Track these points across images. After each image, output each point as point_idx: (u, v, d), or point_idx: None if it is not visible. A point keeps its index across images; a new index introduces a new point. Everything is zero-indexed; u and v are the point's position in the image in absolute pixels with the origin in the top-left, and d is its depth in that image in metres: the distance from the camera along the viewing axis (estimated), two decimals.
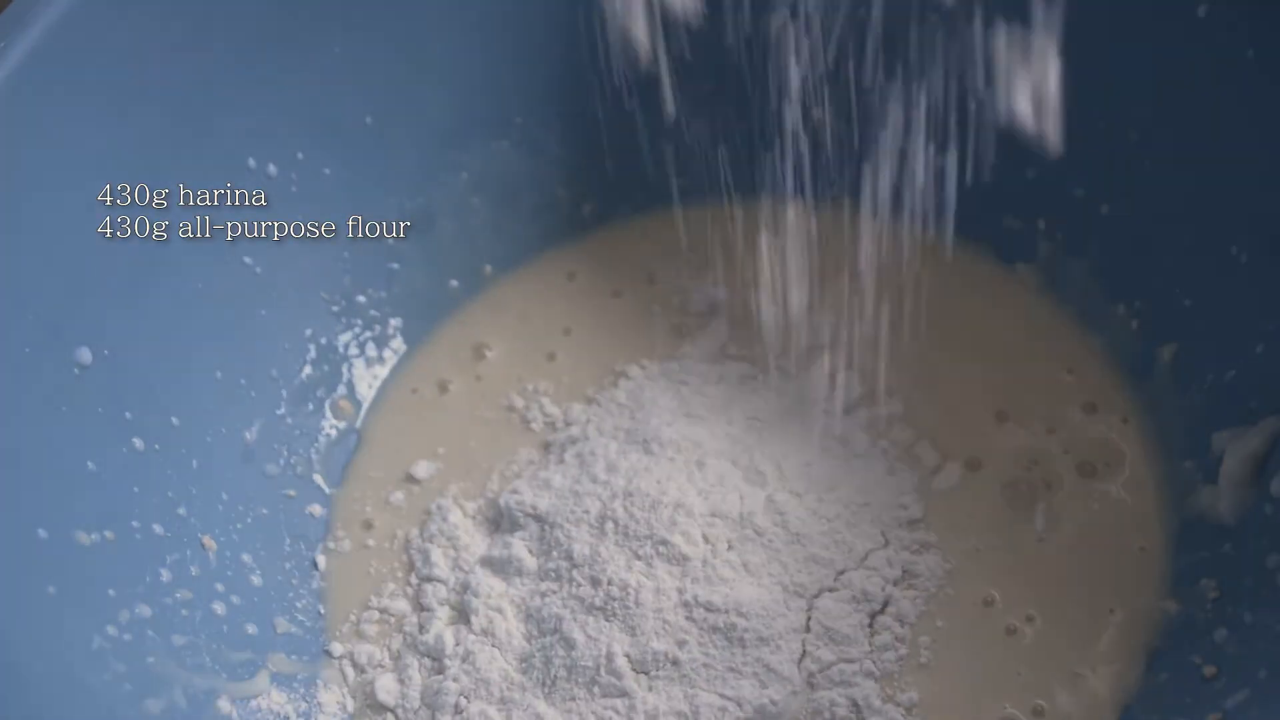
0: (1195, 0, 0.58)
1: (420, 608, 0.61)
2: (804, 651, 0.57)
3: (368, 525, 0.65)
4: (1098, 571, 0.59)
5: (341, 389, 0.69)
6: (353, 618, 0.62)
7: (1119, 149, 0.63)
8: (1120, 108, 0.63)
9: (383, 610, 0.62)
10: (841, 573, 0.59)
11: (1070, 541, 0.60)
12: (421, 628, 0.60)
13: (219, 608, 0.58)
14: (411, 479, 0.66)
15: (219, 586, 0.59)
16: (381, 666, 0.60)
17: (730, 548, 0.59)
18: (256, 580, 0.61)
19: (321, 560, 0.64)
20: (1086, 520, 0.61)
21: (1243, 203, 0.58)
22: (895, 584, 0.59)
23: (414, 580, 0.62)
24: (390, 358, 0.71)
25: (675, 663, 0.56)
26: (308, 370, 0.68)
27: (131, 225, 0.58)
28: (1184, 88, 0.60)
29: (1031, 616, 0.58)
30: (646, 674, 0.56)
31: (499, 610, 0.59)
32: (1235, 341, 0.58)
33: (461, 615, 0.60)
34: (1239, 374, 0.58)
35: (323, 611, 0.63)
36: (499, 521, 0.63)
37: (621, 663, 0.56)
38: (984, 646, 0.58)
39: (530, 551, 0.61)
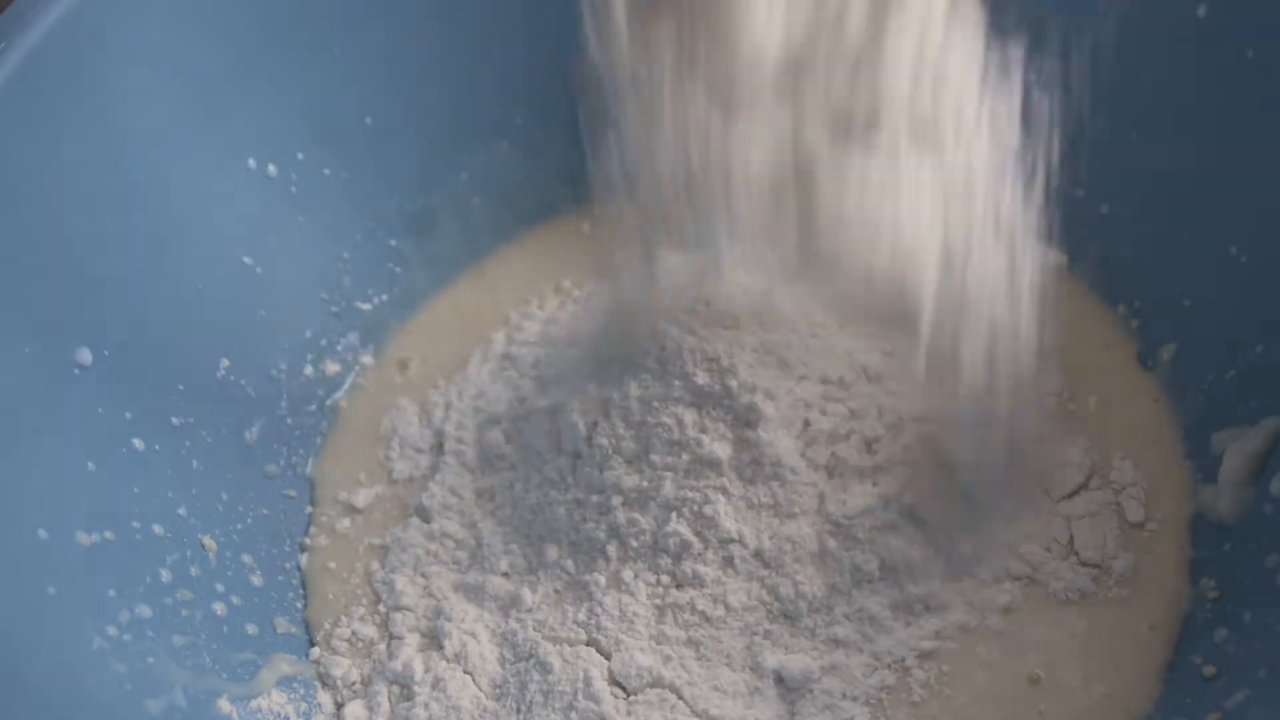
0: (1195, 0, 0.58)
1: (390, 635, 0.60)
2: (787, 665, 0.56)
3: (334, 536, 0.64)
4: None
5: (342, 390, 0.69)
6: (327, 625, 0.61)
7: (1119, 149, 0.63)
8: (1120, 108, 0.63)
9: (353, 633, 0.60)
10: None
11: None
12: (390, 654, 0.59)
13: (219, 608, 0.58)
14: (352, 508, 0.65)
15: (219, 587, 0.59)
16: (351, 689, 0.59)
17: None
18: (257, 581, 0.61)
19: (303, 559, 0.64)
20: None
21: (1243, 203, 0.58)
22: None
23: (381, 609, 0.61)
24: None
25: (658, 681, 0.55)
26: (308, 370, 0.68)
27: (132, 225, 0.58)
28: (1184, 88, 0.60)
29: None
30: (627, 696, 0.55)
31: (473, 635, 0.58)
32: (1235, 341, 0.58)
33: (433, 641, 0.59)
34: (1239, 374, 0.58)
35: (306, 609, 0.62)
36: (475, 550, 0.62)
37: (600, 687, 0.55)
38: (989, 690, 0.55)
39: (505, 574, 0.60)
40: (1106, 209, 0.65)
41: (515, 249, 0.74)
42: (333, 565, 0.63)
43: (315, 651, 0.60)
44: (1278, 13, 0.56)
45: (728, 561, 0.57)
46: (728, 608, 0.56)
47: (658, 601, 0.57)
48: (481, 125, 0.72)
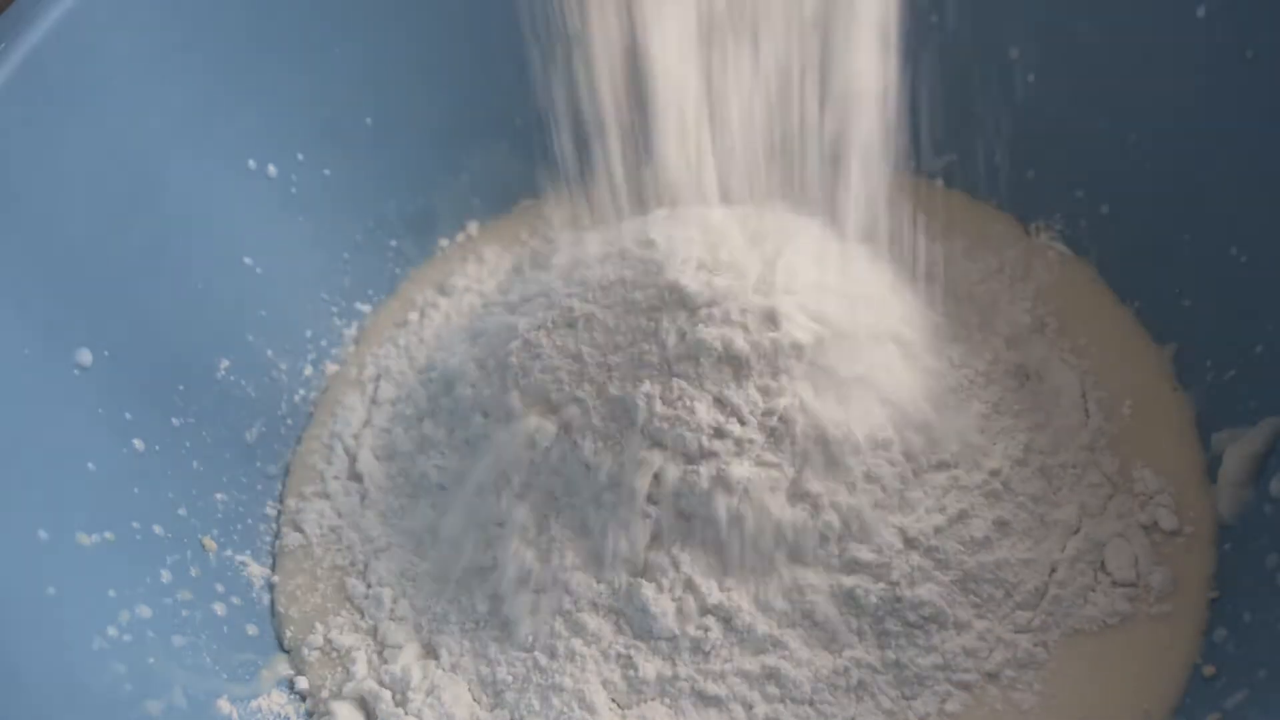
0: (1195, 0, 0.58)
1: (381, 644, 0.58)
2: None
3: (292, 548, 0.63)
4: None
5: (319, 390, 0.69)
6: (290, 632, 0.60)
7: (1119, 149, 0.63)
8: (1120, 108, 0.63)
9: (327, 641, 0.59)
10: None
11: None
12: (385, 659, 0.58)
13: (219, 608, 0.58)
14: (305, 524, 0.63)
15: (219, 587, 0.58)
16: (320, 704, 0.57)
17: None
18: (257, 581, 0.61)
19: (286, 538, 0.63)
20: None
21: (1243, 203, 0.58)
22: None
23: (367, 621, 0.60)
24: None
25: (664, 691, 0.55)
26: (308, 370, 0.68)
27: (132, 225, 0.58)
28: (1184, 88, 0.60)
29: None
30: (623, 709, 0.55)
31: (470, 645, 0.57)
32: (1235, 341, 0.58)
33: (429, 651, 0.58)
34: (1239, 374, 0.58)
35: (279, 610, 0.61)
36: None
37: (597, 699, 0.54)
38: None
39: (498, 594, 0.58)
40: (1106, 209, 0.65)
41: (510, 241, 0.74)
42: (300, 578, 0.61)
43: (289, 656, 0.59)
44: (1278, 13, 0.56)
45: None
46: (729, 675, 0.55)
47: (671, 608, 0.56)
48: (481, 125, 0.72)
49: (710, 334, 0.55)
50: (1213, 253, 0.59)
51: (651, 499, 0.55)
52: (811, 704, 0.53)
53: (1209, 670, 0.52)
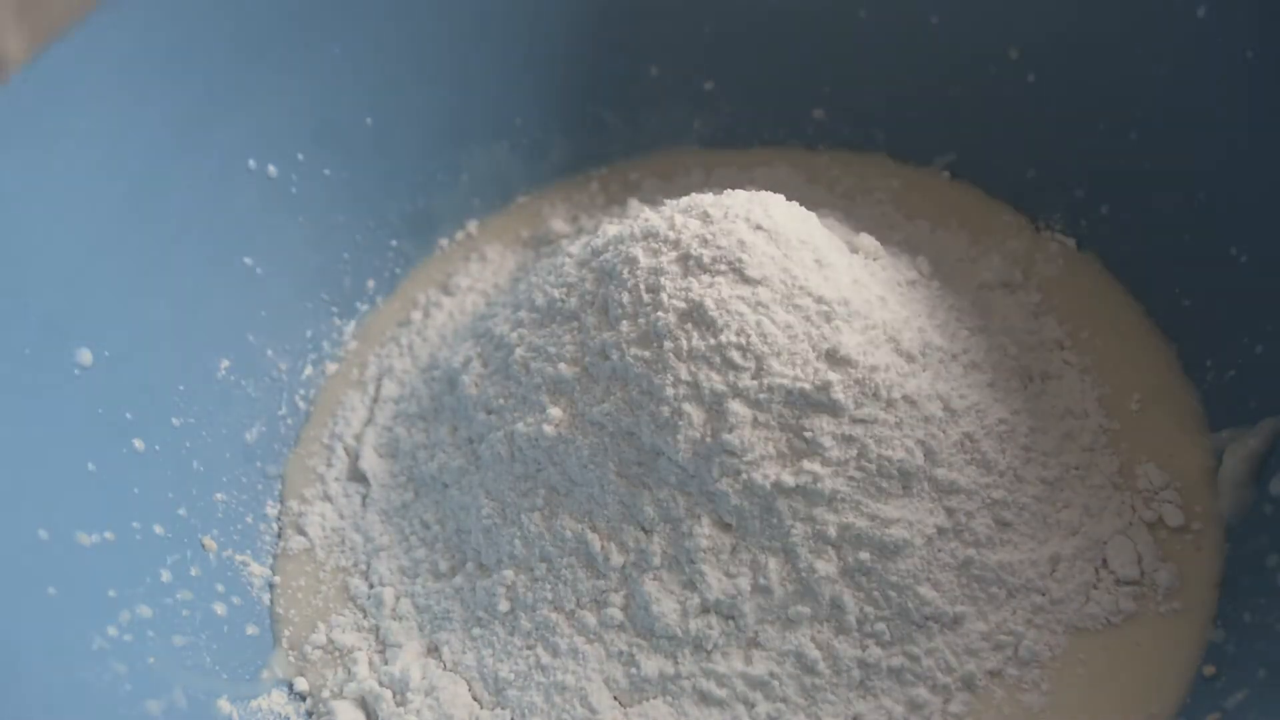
0: (1195, 0, 0.58)
1: (383, 644, 0.59)
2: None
3: (293, 550, 0.62)
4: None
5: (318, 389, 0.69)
6: (289, 632, 0.60)
7: (1119, 149, 0.63)
8: (1120, 108, 0.63)
9: (330, 641, 0.59)
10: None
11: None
12: (386, 659, 0.58)
13: (219, 608, 0.58)
14: (306, 529, 0.63)
15: (220, 587, 0.58)
16: (321, 702, 0.57)
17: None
18: (258, 581, 0.61)
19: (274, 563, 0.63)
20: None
21: (1243, 203, 0.58)
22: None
23: (369, 621, 0.60)
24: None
25: (665, 689, 0.55)
26: (308, 371, 0.68)
27: (132, 225, 0.58)
28: (1184, 88, 0.60)
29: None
30: (625, 708, 0.55)
31: (472, 644, 0.57)
32: (1235, 341, 0.58)
33: (431, 649, 0.58)
34: (1239, 374, 0.58)
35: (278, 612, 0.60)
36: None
37: (598, 698, 0.55)
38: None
39: (507, 595, 0.58)
40: (1106, 209, 0.65)
41: (511, 240, 0.74)
42: (303, 580, 0.62)
43: (289, 657, 0.59)
44: (1278, 13, 0.56)
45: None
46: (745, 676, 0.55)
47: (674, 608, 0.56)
48: (481, 125, 0.72)
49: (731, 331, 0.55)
50: (1213, 253, 0.59)
51: (657, 485, 0.55)
52: (814, 703, 0.54)
53: (1209, 670, 0.52)
